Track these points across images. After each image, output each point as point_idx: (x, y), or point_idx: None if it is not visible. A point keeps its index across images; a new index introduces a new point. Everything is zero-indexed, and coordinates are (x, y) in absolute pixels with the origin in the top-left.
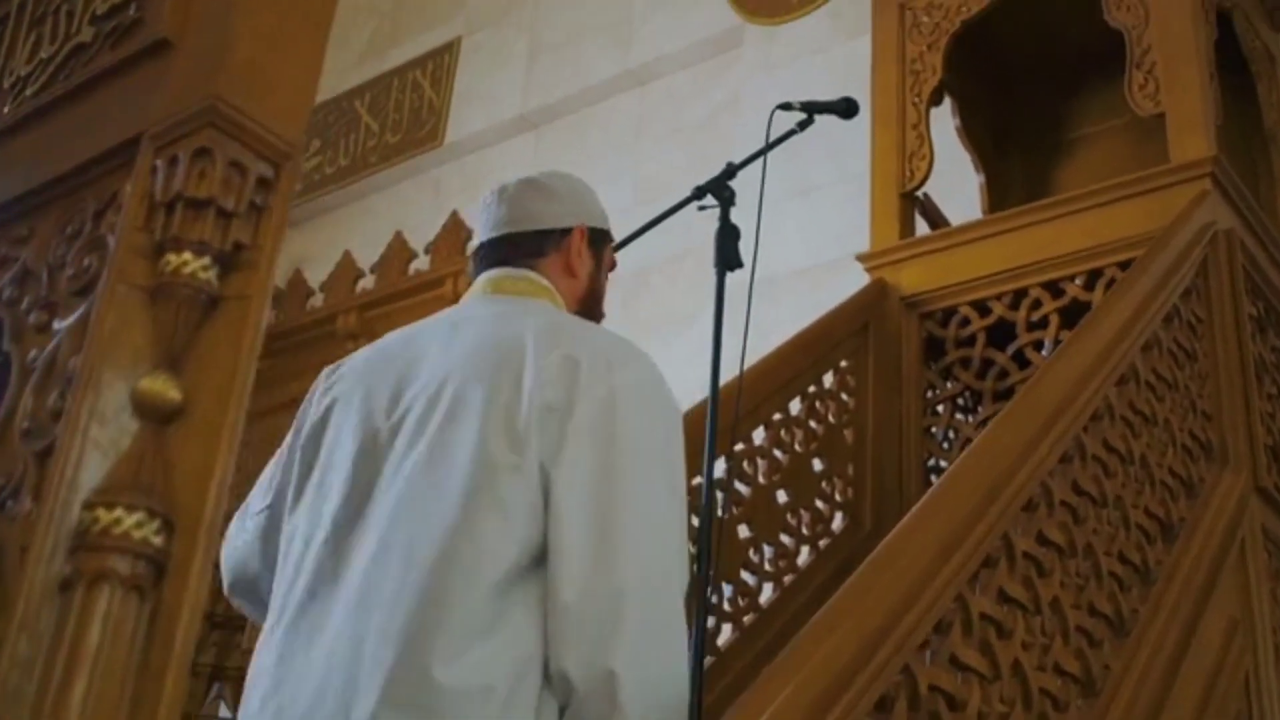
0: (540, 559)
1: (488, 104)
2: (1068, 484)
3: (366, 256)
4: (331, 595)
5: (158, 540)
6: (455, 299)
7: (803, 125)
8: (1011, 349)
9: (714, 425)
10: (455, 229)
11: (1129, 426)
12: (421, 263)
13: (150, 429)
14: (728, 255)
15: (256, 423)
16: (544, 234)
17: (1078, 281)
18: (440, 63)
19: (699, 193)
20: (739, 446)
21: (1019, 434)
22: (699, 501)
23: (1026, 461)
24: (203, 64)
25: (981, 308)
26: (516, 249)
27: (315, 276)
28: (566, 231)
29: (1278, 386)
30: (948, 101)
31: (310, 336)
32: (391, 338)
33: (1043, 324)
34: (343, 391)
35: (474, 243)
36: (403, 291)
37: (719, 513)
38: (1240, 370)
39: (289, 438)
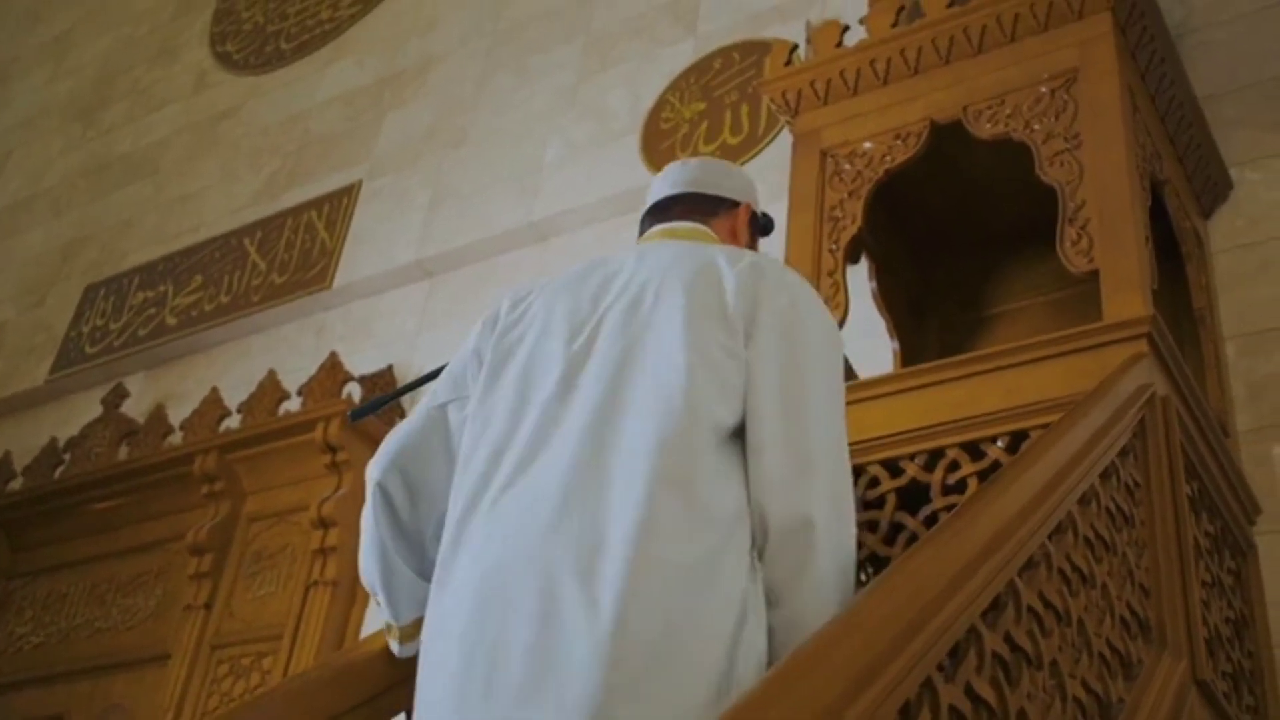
0: (739, 430)
1: (383, 248)
2: (1000, 635)
3: (239, 398)
4: (553, 459)
5: None
6: (326, 444)
7: None
8: (924, 513)
9: None
10: (333, 370)
11: (1065, 581)
12: (294, 404)
13: None
14: None
15: (107, 563)
16: (720, 199)
17: (999, 444)
18: (338, 205)
19: None
20: None
21: (948, 565)
22: None
23: (952, 599)
24: None
25: (893, 467)
26: (694, 206)
27: (181, 416)
28: (736, 204)
29: (1212, 575)
30: (864, 267)
31: (165, 476)
32: (576, 267)
33: (960, 487)
34: (538, 301)
35: (650, 200)
36: (269, 433)
37: None
38: (1178, 549)
39: (472, 341)
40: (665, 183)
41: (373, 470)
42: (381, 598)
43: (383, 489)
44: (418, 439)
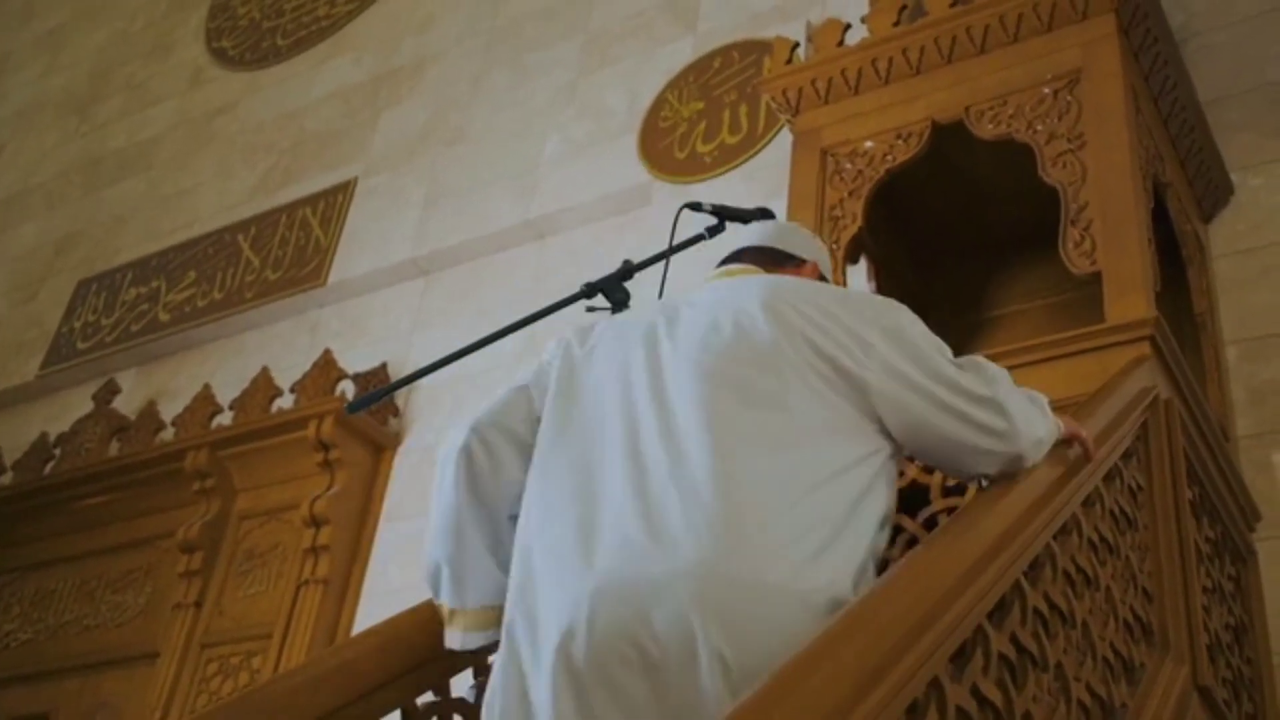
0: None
1: (378, 246)
2: (1006, 636)
3: (231, 395)
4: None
5: None
6: (319, 443)
7: (712, 231)
8: (923, 515)
9: None
10: (327, 368)
11: (1070, 583)
12: (287, 401)
13: None
14: None
15: (96, 560)
16: (790, 256)
17: None
18: (333, 202)
19: (590, 290)
20: None
21: (954, 565)
22: None
23: (960, 598)
24: None
25: None
26: (768, 257)
27: (173, 413)
28: (803, 261)
29: (1212, 580)
30: (864, 268)
31: (156, 473)
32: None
33: (959, 490)
34: (610, 328)
35: (736, 248)
36: (261, 430)
37: None
38: (1180, 554)
39: (551, 348)
40: (750, 234)
41: (457, 436)
42: (446, 577)
43: (468, 452)
44: (502, 412)
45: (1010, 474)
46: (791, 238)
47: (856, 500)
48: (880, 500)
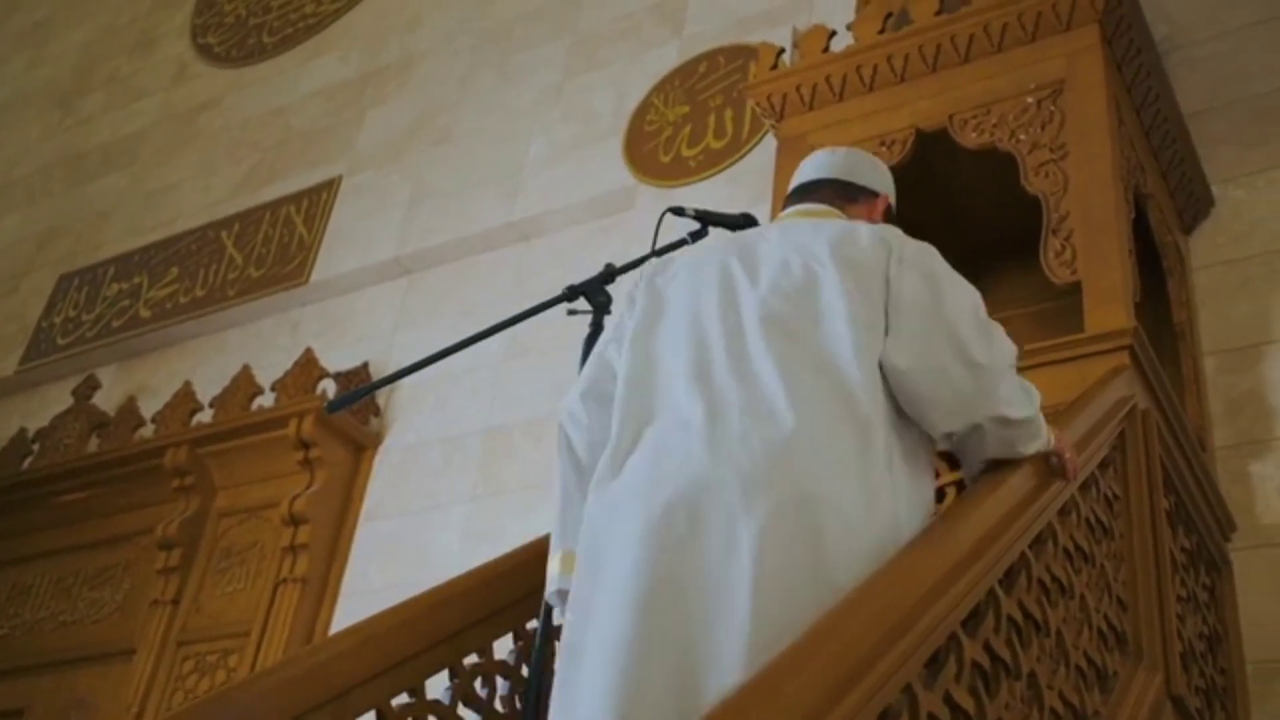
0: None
1: (362, 244)
2: (979, 644)
3: (212, 392)
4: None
5: None
6: (299, 441)
7: (695, 236)
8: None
9: None
10: (308, 366)
11: (1045, 592)
12: (267, 400)
13: None
14: None
15: (74, 555)
16: (861, 188)
17: None
18: (317, 200)
19: (572, 293)
20: None
21: (929, 572)
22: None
23: (935, 605)
24: None
25: None
26: (837, 191)
27: (153, 410)
28: (876, 194)
29: (1187, 589)
30: None
31: (136, 469)
32: (715, 240)
33: (938, 497)
34: (683, 266)
35: (795, 182)
36: (242, 428)
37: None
38: (1155, 563)
39: (625, 291)
40: (811, 167)
41: (561, 411)
42: (556, 531)
43: (563, 431)
44: (590, 383)
45: (966, 454)
46: (866, 170)
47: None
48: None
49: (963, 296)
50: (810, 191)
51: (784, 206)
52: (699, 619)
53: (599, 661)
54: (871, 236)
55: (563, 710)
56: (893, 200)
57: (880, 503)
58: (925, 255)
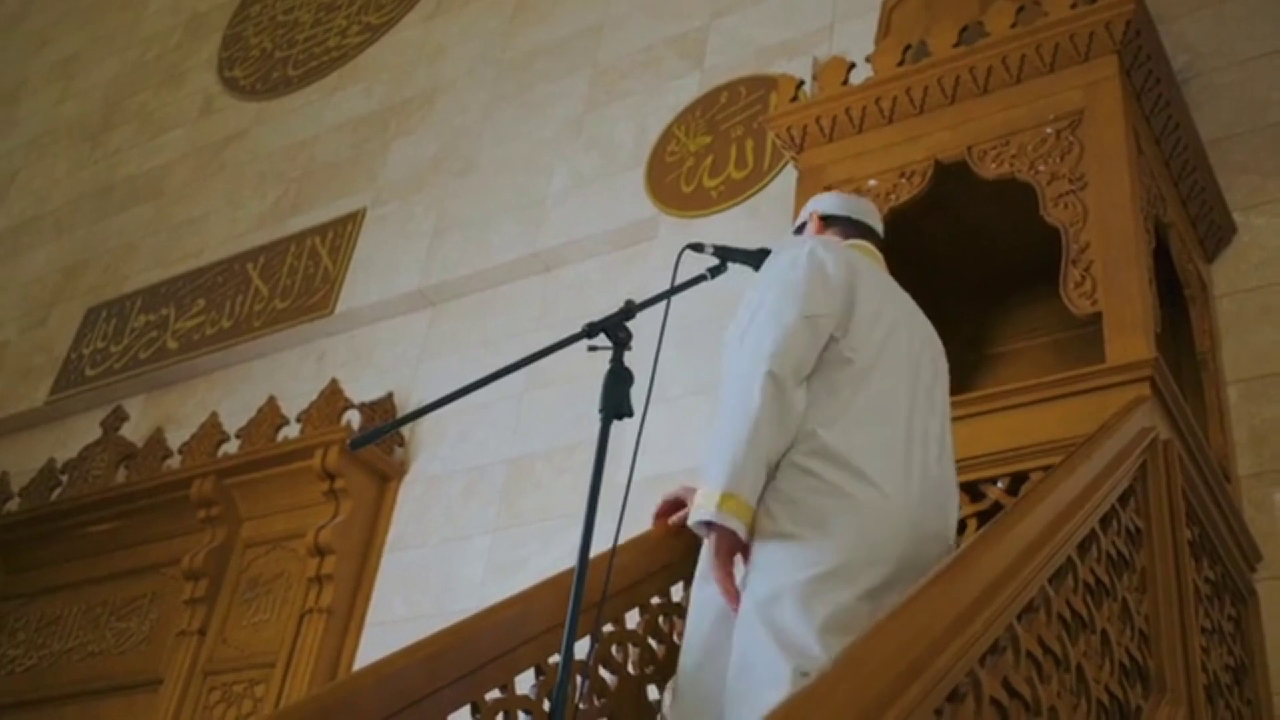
0: None
1: (386, 276)
2: (998, 680)
3: (238, 423)
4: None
5: None
6: (324, 471)
7: (714, 272)
8: None
9: (578, 599)
10: (333, 397)
11: (1065, 626)
12: (293, 430)
13: None
14: (617, 401)
15: (102, 586)
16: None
17: (1000, 485)
18: (341, 231)
19: (591, 330)
20: (608, 628)
21: (947, 608)
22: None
23: (954, 642)
24: None
25: None
26: (878, 243)
27: (180, 440)
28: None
29: (1212, 621)
30: None
31: (162, 500)
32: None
33: (959, 529)
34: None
35: (868, 221)
36: (268, 459)
37: (577, 700)
38: (1178, 594)
39: (833, 272)
40: (875, 217)
41: (763, 365)
42: (749, 487)
43: (774, 377)
44: (800, 339)
45: None
46: (874, 217)
47: None
48: None
49: None
50: (875, 238)
51: (854, 229)
52: None
53: None
54: None
55: None
56: None
57: None
58: None
